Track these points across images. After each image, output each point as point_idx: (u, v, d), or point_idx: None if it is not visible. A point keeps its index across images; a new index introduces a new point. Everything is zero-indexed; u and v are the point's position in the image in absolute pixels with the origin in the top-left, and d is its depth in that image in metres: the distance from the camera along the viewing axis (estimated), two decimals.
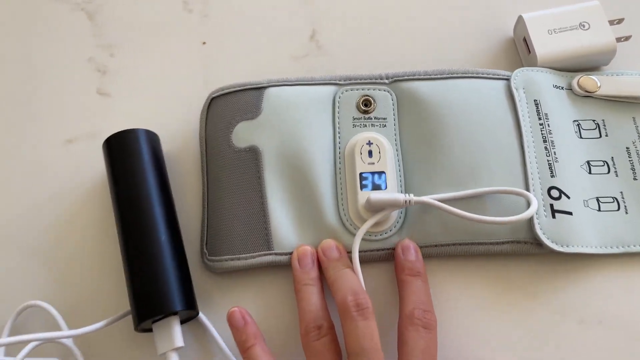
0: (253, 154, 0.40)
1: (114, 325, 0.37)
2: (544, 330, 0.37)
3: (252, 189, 0.39)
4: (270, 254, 0.38)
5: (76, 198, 0.42)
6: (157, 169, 0.39)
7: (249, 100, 0.41)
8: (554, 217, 0.37)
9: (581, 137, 0.41)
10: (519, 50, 0.45)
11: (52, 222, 0.41)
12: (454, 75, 0.41)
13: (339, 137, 0.40)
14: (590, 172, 0.40)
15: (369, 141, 0.39)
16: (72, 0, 0.48)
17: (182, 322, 0.37)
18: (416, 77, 0.41)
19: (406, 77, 0.41)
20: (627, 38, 0.43)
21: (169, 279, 0.36)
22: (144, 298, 0.35)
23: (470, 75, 0.41)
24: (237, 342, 0.36)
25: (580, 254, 0.37)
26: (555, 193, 0.38)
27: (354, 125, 0.41)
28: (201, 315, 0.37)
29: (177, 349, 0.35)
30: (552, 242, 0.37)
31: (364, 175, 0.39)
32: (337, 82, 0.42)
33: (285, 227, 0.38)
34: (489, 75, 0.41)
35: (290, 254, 0.38)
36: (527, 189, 0.38)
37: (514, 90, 0.41)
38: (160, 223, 0.37)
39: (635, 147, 0.40)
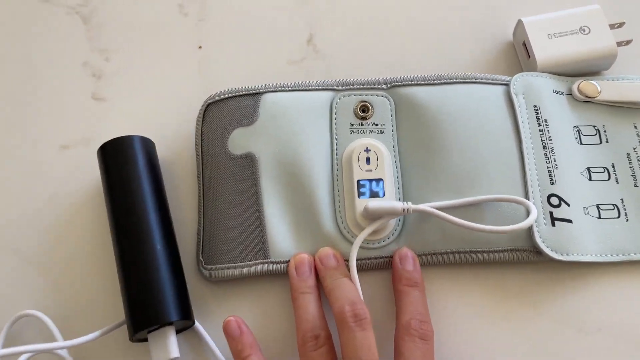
0: (249, 161, 0.39)
1: (108, 335, 0.37)
2: (543, 338, 0.37)
3: (248, 196, 0.39)
4: (267, 263, 0.38)
5: (71, 205, 0.41)
6: (153, 176, 0.39)
7: (245, 107, 0.40)
8: (553, 225, 0.37)
9: (581, 143, 0.40)
10: (519, 54, 0.45)
11: (47, 229, 0.41)
12: (452, 80, 0.41)
13: (337, 144, 0.40)
14: (590, 179, 0.39)
15: (367, 148, 0.39)
16: (67, 4, 0.48)
17: (178, 332, 0.37)
18: (414, 82, 0.41)
19: (404, 83, 0.41)
20: (627, 42, 0.43)
21: (164, 289, 0.35)
22: (139, 308, 0.35)
23: (469, 80, 0.41)
24: (232, 351, 0.35)
25: (580, 262, 0.37)
26: (555, 200, 0.38)
27: (352, 132, 0.40)
28: (197, 324, 0.37)
29: None
30: (551, 250, 0.37)
31: (361, 182, 0.38)
32: (335, 87, 0.41)
33: (282, 235, 0.38)
34: (488, 81, 0.41)
35: (287, 262, 0.38)
36: (527, 197, 0.38)
37: (514, 96, 0.40)
38: (155, 231, 0.37)
39: (636, 153, 0.40)
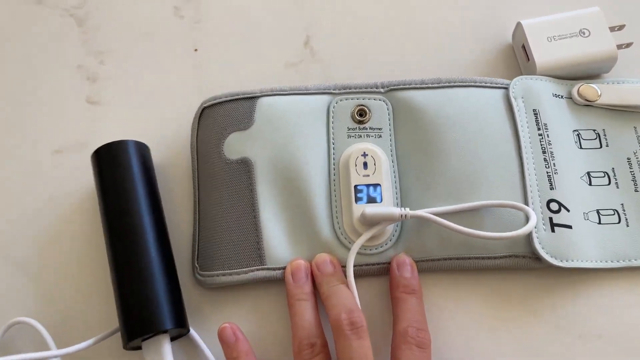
0: (245, 166, 0.39)
1: (102, 343, 0.36)
2: (543, 346, 0.36)
3: (243, 201, 0.38)
4: (263, 269, 0.37)
5: (65, 210, 0.41)
6: (147, 181, 0.38)
7: (241, 111, 0.40)
8: (553, 230, 0.37)
9: (581, 148, 0.40)
10: (518, 57, 0.44)
11: (40, 235, 0.40)
12: (451, 84, 0.40)
13: (334, 148, 0.39)
14: (590, 184, 0.39)
15: (364, 152, 0.38)
16: (61, 6, 0.47)
17: (172, 339, 0.36)
18: (412, 86, 0.40)
19: (402, 86, 0.40)
20: (628, 45, 0.42)
21: (158, 296, 0.35)
22: (133, 316, 0.34)
23: (467, 84, 0.40)
24: (227, 359, 0.35)
25: (580, 268, 0.37)
26: (554, 206, 0.37)
27: (349, 136, 0.40)
28: (192, 331, 0.37)
29: None
30: (551, 256, 0.36)
31: (358, 187, 0.38)
32: (332, 91, 0.41)
33: (278, 241, 0.37)
34: (486, 84, 0.41)
35: (284, 268, 0.37)
36: (526, 202, 0.37)
37: (513, 100, 0.40)
38: (150, 238, 0.36)
39: (637, 158, 0.40)
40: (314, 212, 0.38)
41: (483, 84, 0.41)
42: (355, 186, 0.38)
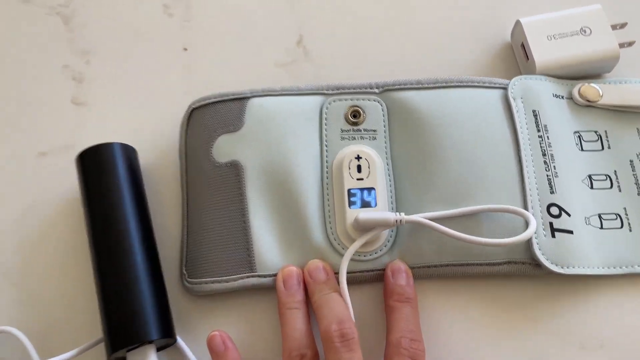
0: (234, 169, 0.37)
1: (86, 354, 0.35)
2: (543, 355, 0.35)
3: (233, 206, 0.37)
4: (253, 276, 0.36)
5: (49, 216, 0.40)
6: (134, 185, 0.37)
7: (231, 112, 0.39)
8: (553, 236, 0.35)
9: (582, 150, 0.39)
10: (517, 56, 0.43)
11: (23, 241, 0.39)
12: (448, 84, 0.39)
13: (327, 151, 0.38)
14: (592, 187, 0.38)
15: (358, 155, 0.37)
16: (47, 4, 0.46)
17: (159, 350, 0.35)
18: (408, 86, 0.39)
19: (397, 87, 0.39)
20: (630, 43, 0.42)
21: (144, 305, 0.34)
22: (118, 326, 0.33)
23: (465, 84, 0.39)
24: None
25: (582, 275, 0.35)
26: (555, 210, 0.36)
27: (342, 138, 0.38)
28: (180, 340, 0.35)
29: None
30: (551, 263, 0.35)
31: (352, 191, 0.37)
32: (325, 91, 0.40)
33: (269, 247, 0.36)
34: (485, 84, 0.39)
35: (275, 275, 0.36)
36: (525, 206, 0.36)
37: (512, 100, 0.39)
38: (135, 244, 0.35)
39: None
40: (306, 217, 0.36)
41: (481, 84, 0.39)
42: (349, 190, 0.37)
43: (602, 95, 0.40)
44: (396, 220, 0.35)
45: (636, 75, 0.42)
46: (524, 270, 0.36)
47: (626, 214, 0.37)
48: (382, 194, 0.37)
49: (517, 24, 0.42)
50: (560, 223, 0.36)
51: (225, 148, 0.38)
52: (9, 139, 0.42)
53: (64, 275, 0.38)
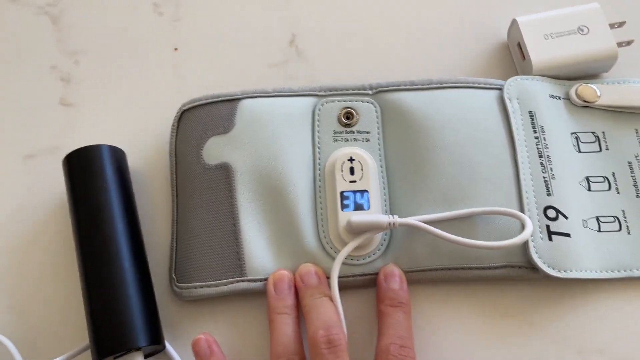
0: (225, 172, 0.37)
1: None
2: None
3: (223, 209, 0.36)
4: (244, 281, 0.35)
5: (36, 219, 0.39)
6: (122, 189, 0.36)
7: (222, 114, 0.38)
8: (550, 239, 0.35)
9: (580, 151, 0.38)
10: (513, 56, 0.42)
11: (9, 246, 0.38)
12: (442, 85, 0.38)
13: (319, 153, 0.37)
14: (589, 189, 0.37)
15: (351, 157, 0.37)
16: (35, 3, 0.45)
17: (147, 356, 0.34)
18: (402, 87, 0.39)
19: (391, 88, 0.39)
20: (629, 43, 0.41)
21: (131, 311, 0.33)
22: (104, 332, 0.32)
23: (460, 85, 0.39)
24: None
25: (579, 279, 0.35)
26: (552, 213, 0.35)
27: (335, 140, 0.38)
28: (168, 347, 0.35)
29: None
30: (548, 266, 0.34)
31: (345, 194, 0.36)
32: (317, 93, 0.39)
33: (259, 250, 0.35)
34: (480, 85, 0.39)
35: (266, 280, 0.35)
36: (522, 209, 0.35)
37: (507, 101, 0.38)
38: (123, 248, 0.34)
39: (638, 162, 0.38)
40: (298, 220, 0.36)
41: (476, 85, 0.39)
42: (342, 193, 0.36)
43: (599, 96, 0.39)
44: (389, 223, 0.34)
45: (635, 75, 0.41)
46: (520, 274, 0.35)
47: (624, 217, 0.36)
48: (376, 197, 0.36)
49: (514, 23, 0.41)
50: (557, 226, 0.35)
51: (215, 150, 0.37)
52: None
53: (51, 281, 0.37)
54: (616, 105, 0.39)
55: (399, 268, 0.35)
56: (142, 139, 0.41)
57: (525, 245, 0.35)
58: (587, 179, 0.37)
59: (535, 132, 0.37)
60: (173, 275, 0.36)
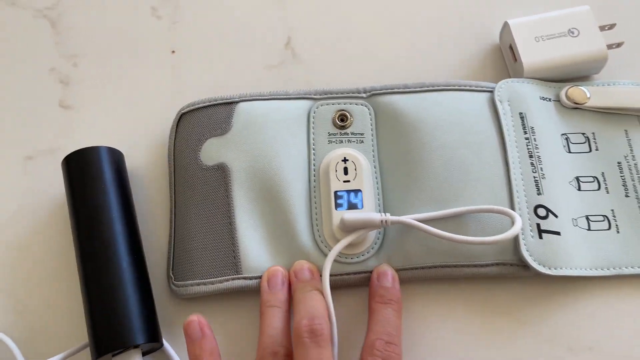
0: (221, 172, 0.37)
1: (72, 358, 0.35)
2: (531, 357, 0.35)
3: (219, 208, 0.37)
4: (239, 278, 0.36)
5: (35, 220, 0.39)
6: (120, 189, 0.37)
7: (219, 116, 0.39)
8: (540, 237, 0.35)
9: (570, 152, 0.39)
10: (505, 57, 0.43)
11: (9, 246, 0.39)
12: (435, 88, 0.39)
13: (314, 154, 0.38)
14: (579, 189, 0.38)
15: (345, 158, 0.37)
16: (34, 6, 0.46)
17: (145, 354, 0.35)
18: (395, 90, 0.39)
19: (384, 91, 0.39)
20: (619, 45, 0.41)
21: (129, 309, 0.33)
22: (103, 330, 0.33)
23: (451, 87, 0.39)
24: (190, 355, 0.32)
25: (569, 276, 0.35)
26: (542, 212, 0.36)
27: (330, 141, 0.38)
28: (166, 345, 0.35)
29: None
30: (539, 264, 0.35)
31: (339, 193, 0.36)
32: (312, 96, 0.40)
33: (254, 248, 0.36)
34: (471, 88, 0.39)
35: (261, 277, 0.36)
36: (512, 207, 0.36)
37: (498, 103, 0.38)
38: (121, 248, 0.35)
39: (627, 162, 0.38)
40: (293, 219, 0.36)
41: (468, 87, 0.39)
42: (336, 192, 0.36)
43: (589, 98, 0.39)
44: (382, 221, 0.35)
45: (624, 76, 0.42)
46: (512, 271, 0.35)
47: (614, 216, 0.37)
48: (369, 196, 0.37)
49: (505, 25, 0.42)
50: (548, 224, 0.36)
51: (212, 151, 0.38)
52: None
53: (51, 280, 0.38)
54: (606, 106, 0.39)
55: (392, 268, 0.35)
56: (140, 141, 0.41)
57: (516, 243, 0.35)
58: (577, 178, 0.38)
59: (525, 133, 0.38)
60: (170, 274, 0.37)
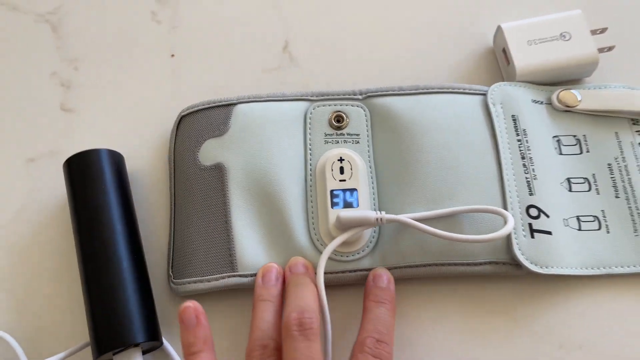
0: (218, 172, 0.38)
1: (73, 357, 0.35)
2: (523, 355, 0.35)
3: (216, 207, 0.37)
4: (235, 276, 0.36)
5: (37, 221, 0.40)
6: (120, 191, 0.38)
7: (217, 118, 0.40)
8: (532, 236, 0.36)
9: (561, 154, 0.39)
10: (499, 61, 0.44)
11: (12, 246, 0.39)
12: (429, 90, 0.40)
13: (310, 154, 0.39)
14: (570, 190, 0.38)
15: (340, 157, 0.38)
16: (35, 11, 0.47)
17: (145, 353, 0.35)
18: (390, 92, 0.40)
19: (380, 93, 0.40)
20: (610, 48, 0.42)
21: (130, 308, 0.34)
22: (104, 329, 0.34)
23: (446, 90, 0.40)
24: (183, 344, 0.32)
25: (560, 275, 0.36)
26: (534, 212, 0.37)
27: (326, 142, 0.39)
28: (166, 343, 0.36)
29: None
30: (531, 263, 0.35)
31: (335, 192, 0.37)
32: (309, 98, 0.40)
33: (250, 247, 0.37)
34: (465, 91, 0.40)
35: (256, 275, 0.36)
36: (505, 208, 0.37)
37: (491, 106, 0.39)
38: (121, 248, 0.36)
39: (618, 164, 0.39)
40: (289, 217, 0.37)
41: (462, 91, 0.40)
42: (332, 191, 0.37)
43: (580, 101, 0.40)
44: (377, 219, 0.35)
45: (615, 80, 0.42)
46: (504, 270, 0.36)
47: (604, 216, 0.38)
48: (365, 195, 0.37)
49: (499, 29, 0.42)
50: (539, 224, 0.36)
51: (210, 152, 0.39)
52: None
53: (53, 280, 0.38)
54: (597, 109, 0.40)
55: (388, 271, 0.36)
56: (140, 143, 0.42)
57: (509, 242, 0.36)
58: (568, 180, 0.39)
59: (518, 135, 0.39)
60: (170, 272, 0.38)
